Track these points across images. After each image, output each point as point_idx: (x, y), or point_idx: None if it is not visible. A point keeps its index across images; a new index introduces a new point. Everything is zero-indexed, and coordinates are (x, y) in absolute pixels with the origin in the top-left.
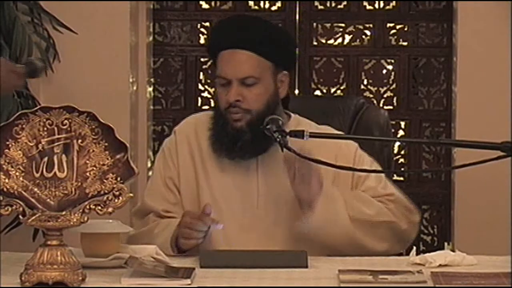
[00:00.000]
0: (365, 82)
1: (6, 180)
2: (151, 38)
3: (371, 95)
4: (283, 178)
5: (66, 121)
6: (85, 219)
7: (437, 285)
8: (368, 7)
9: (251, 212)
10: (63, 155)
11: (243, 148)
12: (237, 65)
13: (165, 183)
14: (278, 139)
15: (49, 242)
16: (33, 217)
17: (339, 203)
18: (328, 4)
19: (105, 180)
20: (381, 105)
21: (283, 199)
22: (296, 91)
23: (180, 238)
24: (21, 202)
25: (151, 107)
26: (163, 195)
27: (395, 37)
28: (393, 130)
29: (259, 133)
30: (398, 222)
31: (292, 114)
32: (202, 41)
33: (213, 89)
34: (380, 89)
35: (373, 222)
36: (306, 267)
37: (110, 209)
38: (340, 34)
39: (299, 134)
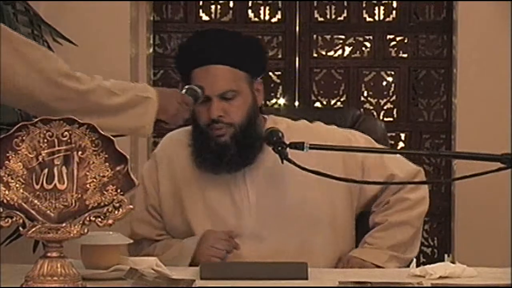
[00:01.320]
0: (365, 94)
1: (6, 192)
2: (151, 50)
3: (371, 107)
4: (272, 184)
5: (66, 132)
6: (85, 231)
7: None
8: (368, 19)
9: (244, 222)
10: (63, 167)
11: (229, 162)
12: (214, 81)
13: (148, 211)
14: (278, 151)
15: (49, 254)
16: (33, 229)
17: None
18: (328, 16)
19: (105, 192)
20: (381, 117)
21: (275, 205)
22: (296, 103)
23: (205, 256)
24: (21, 214)
25: None
26: (150, 222)
27: (395, 49)
28: (393, 142)
29: (244, 145)
30: (421, 212)
31: (267, 116)
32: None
33: None
34: (380, 101)
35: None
36: (307, 279)
37: (110, 221)
38: (340, 46)
39: (299, 146)
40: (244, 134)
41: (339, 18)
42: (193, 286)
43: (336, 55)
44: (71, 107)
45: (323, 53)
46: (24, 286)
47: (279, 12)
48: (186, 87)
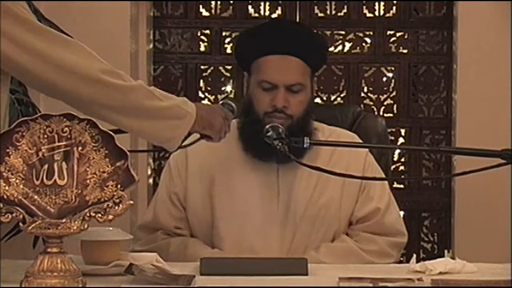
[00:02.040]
0: (365, 89)
1: (6, 188)
2: (151, 46)
3: (371, 103)
4: (302, 183)
5: (66, 128)
6: (85, 226)
7: None
8: (368, 14)
9: (271, 218)
10: (63, 163)
11: (281, 154)
12: (286, 71)
13: (170, 199)
14: (278, 147)
15: (49, 250)
16: (33, 225)
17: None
18: (328, 12)
19: (105, 188)
20: (381, 112)
21: (303, 205)
22: None
23: None
24: (21, 210)
25: None
26: (170, 211)
27: (395, 44)
28: (393, 138)
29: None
30: (385, 256)
31: None
32: (202, 48)
33: (213, 97)
34: (380, 96)
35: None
36: (307, 274)
37: (110, 217)
38: (340, 41)
39: (299, 141)
40: (299, 128)
41: (339, 14)
42: (193, 281)
43: (336, 50)
44: (110, 103)
45: None
46: (24, 281)
47: (279, 8)
48: (222, 102)
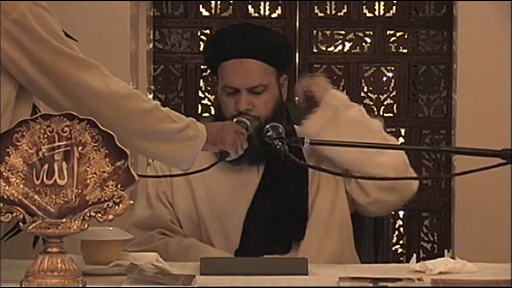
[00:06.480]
0: (365, 89)
1: (7, 188)
2: (151, 46)
3: (371, 103)
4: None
5: (66, 128)
6: (85, 226)
7: None
8: (368, 14)
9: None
10: (64, 163)
11: (251, 154)
12: (245, 74)
13: (159, 198)
14: (278, 147)
15: (49, 250)
16: (33, 224)
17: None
18: (328, 12)
19: (105, 187)
20: (381, 112)
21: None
22: (297, 98)
23: None
24: (21, 209)
25: None
26: (162, 210)
27: (395, 44)
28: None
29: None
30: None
31: None
32: (202, 48)
33: (213, 96)
34: (380, 96)
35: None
36: (307, 274)
37: (110, 216)
38: (340, 41)
39: (299, 141)
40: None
41: (339, 14)
42: (193, 281)
43: (336, 50)
44: (128, 127)
45: (323, 48)
46: (24, 281)
47: (279, 8)
48: (236, 120)
